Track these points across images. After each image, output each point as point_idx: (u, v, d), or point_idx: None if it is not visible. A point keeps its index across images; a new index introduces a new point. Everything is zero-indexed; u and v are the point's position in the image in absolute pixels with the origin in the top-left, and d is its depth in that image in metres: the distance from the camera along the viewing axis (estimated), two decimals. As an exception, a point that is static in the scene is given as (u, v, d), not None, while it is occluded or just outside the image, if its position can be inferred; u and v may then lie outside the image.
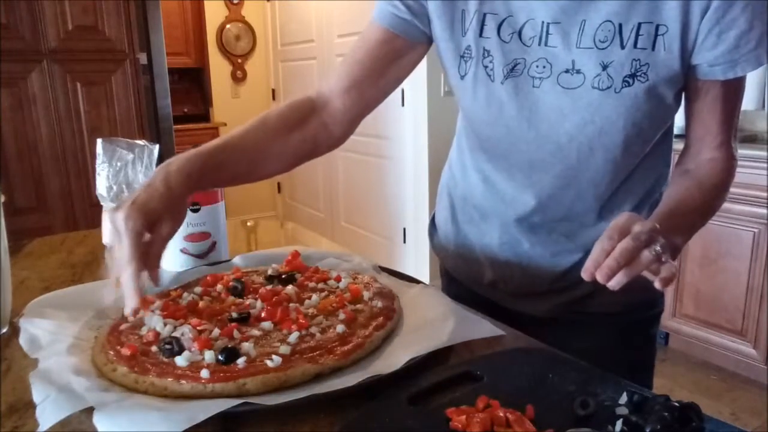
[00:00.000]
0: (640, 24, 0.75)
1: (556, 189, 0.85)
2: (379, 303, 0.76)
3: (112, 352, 0.65)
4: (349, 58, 0.91)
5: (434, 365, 0.65)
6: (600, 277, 0.61)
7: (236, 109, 4.84)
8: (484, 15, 0.82)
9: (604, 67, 0.76)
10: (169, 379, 0.60)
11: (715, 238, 2.38)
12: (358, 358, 0.65)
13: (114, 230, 0.65)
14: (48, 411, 0.54)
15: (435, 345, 0.66)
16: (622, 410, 0.54)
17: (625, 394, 0.56)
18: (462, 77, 0.85)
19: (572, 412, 0.54)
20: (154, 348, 0.65)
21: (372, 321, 0.72)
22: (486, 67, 0.82)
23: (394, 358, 0.64)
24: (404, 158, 3.33)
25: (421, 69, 3.08)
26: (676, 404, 0.51)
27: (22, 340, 0.70)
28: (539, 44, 0.79)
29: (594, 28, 0.76)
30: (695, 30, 0.74)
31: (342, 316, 0.72)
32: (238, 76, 4.84)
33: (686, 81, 0.79)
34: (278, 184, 4.99)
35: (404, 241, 3.46)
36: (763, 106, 2.62)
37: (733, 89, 0.80)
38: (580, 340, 0.88)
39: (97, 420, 0.53)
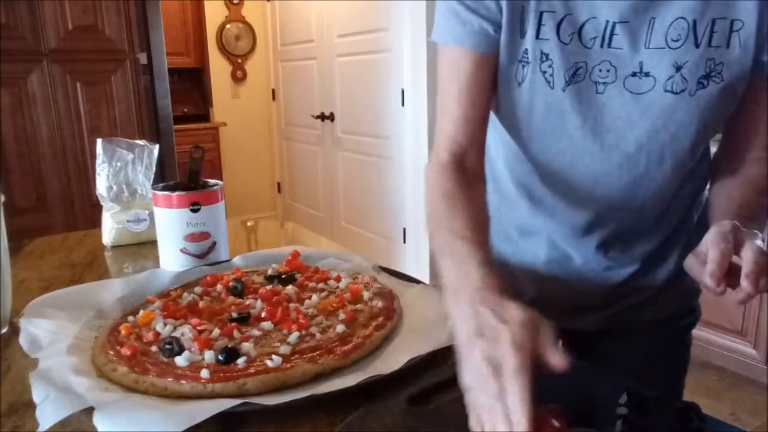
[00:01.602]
0: (714, 20, 0.70)
1: (620, 201, 0.80)
2: (379, 303, 0.76)
3: (112, 352, 0.65)
4: (454, 100, 0.79)
5: (434, 365, 0.65)
6: (749, 284, 0.56)
7: (236, 109, 4.84)
8: (541, 13, 0.74)
9: (678, 69, 0.71)
10: (169, 379, 0.60)
11: (715, 238, 2.37)
12: (358, 358, 0.65)
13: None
14: (48, 411, 0.54)
15: (435, 345, 0.66)
16: (622, 410, 0.54)
17: (625, 394, 0.56)
18: (519, 84, 0.77)
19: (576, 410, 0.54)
20: (154, 348, 0.65)
21: (372, 321, 0.72)
22: (545, 72, 0.75)
23: (394, 358, 0.64)
24: (404, 158, 3.33)
25: (421, 69, 3.08)
26: (677, 404, 0.51)
27: (22, 340, 0.70)
28: (601, 46, 0.73)
29: (665, 26, 0.71)
30: (766, 25, 0.70)
31: (342, 316, 0.72)
32: (238, 76, 4.84)
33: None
34: (278, 184, 4.99)
35: (404, 241, 3.45)
36: (763, 106, 2.61)
37: None
38: (623, 348, 0.87)
39: (97, 420, 0.53)
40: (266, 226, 1.53)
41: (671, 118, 0.73)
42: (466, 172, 0.78)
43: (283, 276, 0.85)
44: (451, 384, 0.60)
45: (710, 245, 0.59)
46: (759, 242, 0.59)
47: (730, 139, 0.82)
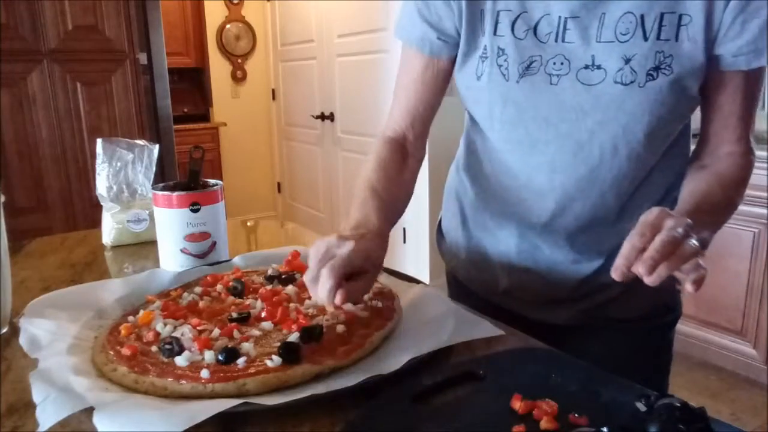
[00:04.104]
0: (662, 14, 0.73)
1: (578, 191, 0.83)
2: (379, 303, 0.76)
3: (112, 352, 0.65)
4: (403, 90, 0.92)
5: (434, 365, 0.65)
6: (643, 270, 0.58)
7: (236, 109, 4.84)
8: (498, 12, 0.80)
9: (627, 61, 0.74)
10: (169, 379, 0.60)
11: (715, 238, 2.37)
12: (358, 358, 0.65)
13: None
14: (48, 411, 0.54)
15: (435, 345, 0.66)
16: (641, 410, 0.54)
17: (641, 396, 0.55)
18: (478, 78, 0.83)
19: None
20: (154, 348, 0.65)
21: (372, 321, 0.72)
22: (500, 66, 0.80)
23: (394, 358, 0.64)
24: (404, 158, 3.33)
25: (421, 69, 3.08)
26: (678, 404, 0.51)
27: (22, 340, 0.70)
28: (556, 40, 0.77)
29: (615, 21, 0.75)
30: (719, 19, 0.73)
31: (342, 316, 0.72)
32: (238, 76, 4.84)
33: (707, 72, 0.77)
34: (278, 184, 4.99)
35: (404, 241, 3.46)
36: (763, 106, 2.62)
37: (755, 81, 0.78)
38: (600, 346, 0.88)
39: (97, 420, 0.53)
40: (266, 226, 1.53)
41: (621, 108, 0.76)
42: (404, 148, 0.92)
43: (283, 276, 0.85)
44: (454, 383, 0.60)
45: (627, 238, 0.61)
46: (680, 230, 0.61)
47: (703, 134, 0.84)
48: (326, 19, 3.86)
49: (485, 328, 0.72)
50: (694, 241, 0.61)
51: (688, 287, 0.60)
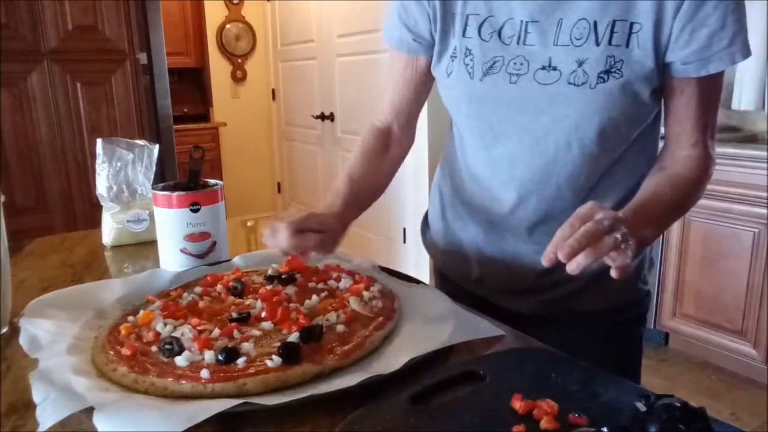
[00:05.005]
0: (614, 21, 0.77)
1: (536, 184, 0.87)
2: (379, 303, 0.76)
3: (112, 352, 0.65)
4: (389, 86, 1.01)
5: (434, 365, 0.65)
6: (561, 255, 0.62)
7: (236, 109, 4.84)
8: (467, 16, 0.86)
9: (580, 64, 0.79)
10: (169, 379, 0.60)
11: (715, 238, 2.38)
12: (358, 358, 0.65)
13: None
14: (48, 411, 0.54)
15: (435, 345, 0.66)
16: (641, 411, 0.54)
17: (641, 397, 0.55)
18: (448, 75, 0.90)
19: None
20: (154, 348, 0.65)
21: (372, 321, 0.72)
22: (467, 65, 0.86)
23: (394, 359, 0.64)
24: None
25: (421, 69, 3.07)
26: (678, 404, 0.51)
27: (22, 340, 0.70)
28: (517, 43, 0.83)
29: (570, 26, 0.79)
30: (669, 27, 0.76)
31: (342, 316, 0.72)
32: (238, 76, 4.84)
33: (662, 79, 0.81)
34: (278, 184, 4.99)
35: (404, 241, 3.45)
36: (763, 106, 2.62)
37: (709, 88, 0.81)
38: (565, 338, 0.88)
39: (97, 420, 0.53)
40: (266, 226, 1.53)
41: (573, 107, 0.81)
42: (389, 136, 1.03)
43: (283, 276, 0.85)
44: (454, 383, 0.60)
45: (559, 228, 0.65)
46: (606, 223, 0.64)
47: (665, 138, 0.88)
48: (326, 19, 3.86)
49: (485, 328, 0.73)
50: (617, 235, 0.64)
51: (612, 272, 0.65)
